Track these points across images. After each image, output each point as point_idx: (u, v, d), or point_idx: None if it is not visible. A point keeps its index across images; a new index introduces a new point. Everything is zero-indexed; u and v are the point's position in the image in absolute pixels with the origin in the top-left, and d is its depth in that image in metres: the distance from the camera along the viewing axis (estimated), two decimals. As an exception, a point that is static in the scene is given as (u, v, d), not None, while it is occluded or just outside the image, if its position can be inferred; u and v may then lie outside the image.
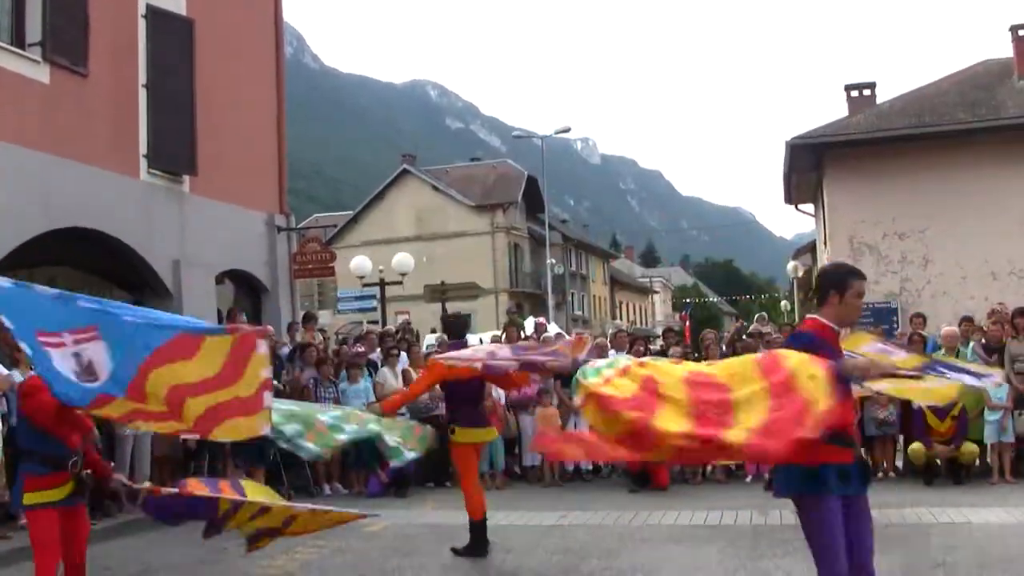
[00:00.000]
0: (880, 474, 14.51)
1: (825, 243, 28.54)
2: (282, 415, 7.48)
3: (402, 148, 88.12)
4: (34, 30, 14.91)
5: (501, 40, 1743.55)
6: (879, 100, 30.52)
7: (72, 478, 6.59)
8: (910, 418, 14.45)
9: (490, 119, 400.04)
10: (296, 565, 9.71)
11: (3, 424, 11.11)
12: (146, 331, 6.59)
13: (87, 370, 6.44)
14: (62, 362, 6.41)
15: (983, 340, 15.00)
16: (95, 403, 6.39)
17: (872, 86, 32.04)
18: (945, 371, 6.58)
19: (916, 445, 13.97)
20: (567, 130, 54.32)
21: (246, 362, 6.48)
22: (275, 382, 13.87)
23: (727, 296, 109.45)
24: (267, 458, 13.37)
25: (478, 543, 9.83)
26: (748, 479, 14.57)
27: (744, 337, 17.76)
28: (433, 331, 30.62)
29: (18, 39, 14.83)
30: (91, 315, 6.62)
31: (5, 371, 11.16)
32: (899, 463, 14.89)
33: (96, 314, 6.65)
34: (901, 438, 14.85)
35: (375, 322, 27.56)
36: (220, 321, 18.01)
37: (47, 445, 6.56)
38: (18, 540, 7.06)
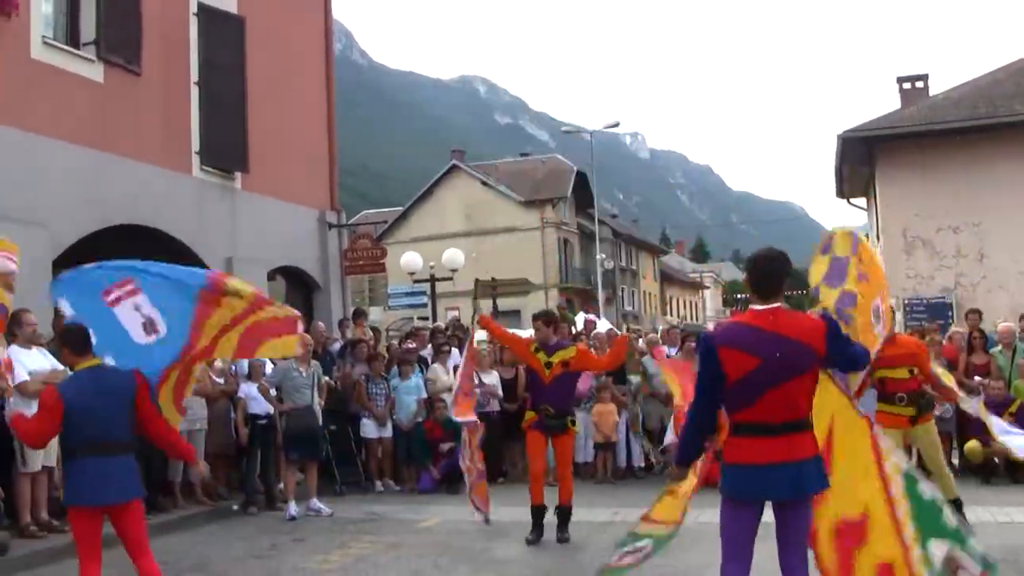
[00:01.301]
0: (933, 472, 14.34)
1: (878, 237, 28.22)
2: None
3: (451, 144, 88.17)
4: (88, 30, 15.06)
5: (550, 35, 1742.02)
6: (932, 92, 30.14)
7: None
8: (966, 415, 14.26)
9: (539, 114, 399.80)
10: (350, 560, 9.73)
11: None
12: (178, 289, 7.17)
13: (150, 324, 6.90)
14: (128, 318, 6.90)
15: (1041, 335, 14.80)
16: (161, 380, 6.95)
17: (925, 78, 31.65)
18: None
19: (973, 443, 13.75)
20: (616, 124, 54.13)
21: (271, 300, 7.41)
22: (326, 378, 13.98)
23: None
24: (321, 453, 13.41)
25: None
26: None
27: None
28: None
29: (73, 39, 14.98)
30: (123, 270, 7.26)
31: (61, 366, 11.26)
32: (955, 461, 14.70)
33: (126, 269, 7.27)
34: (956, 435, 14.67)
35: (425, 318, 27.62)
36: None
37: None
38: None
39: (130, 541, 6.50)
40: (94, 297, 7.13)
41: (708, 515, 11.05)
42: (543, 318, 10.57)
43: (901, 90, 31.47)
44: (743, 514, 5.39)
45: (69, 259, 14.27)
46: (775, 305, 5.41)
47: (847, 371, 6.02)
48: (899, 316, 23.13)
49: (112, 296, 7.11)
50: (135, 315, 7.02)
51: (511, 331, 12.03)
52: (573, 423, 10.67)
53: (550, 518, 10.39)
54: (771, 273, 5.50)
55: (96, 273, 7.32)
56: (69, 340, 6.72)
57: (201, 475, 7.45)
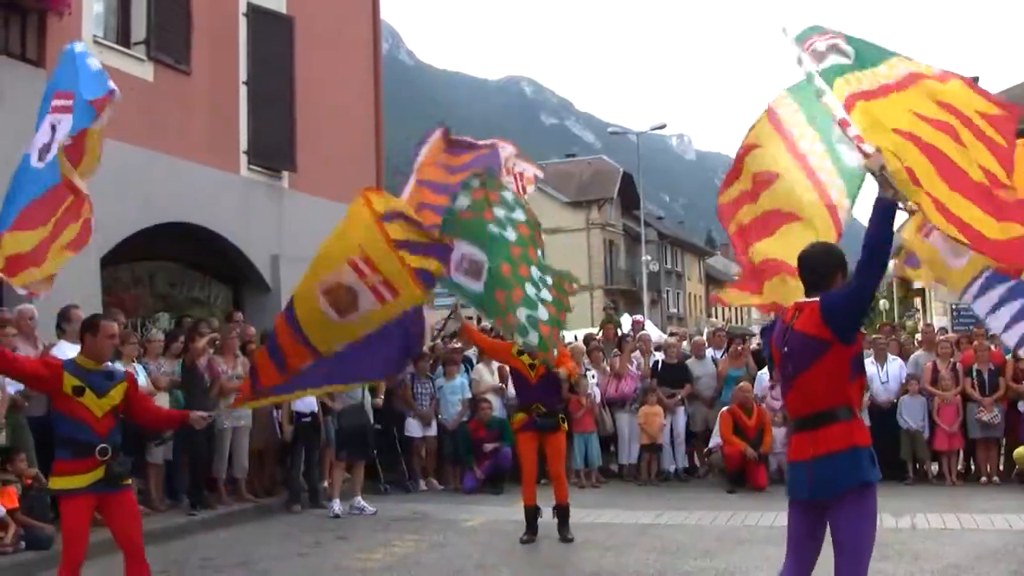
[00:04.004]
0: (983, 479, 14.20)
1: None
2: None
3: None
4: (139, 29, 15.17)
5: (596, 36, 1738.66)
6: (983, 94, 29.83)
7: (101, 464, 6.58)
8: (1016, 420, 14.11)
9: (585, 115, 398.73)
10: (393, 559, 9.74)
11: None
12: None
13: (46, 149, 7.47)
14: (42, 132, 7.50)
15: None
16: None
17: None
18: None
19: (1022, 448, 13.62)
20: (663, 126, 54.05)
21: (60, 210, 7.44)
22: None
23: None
24: (370, 452, 13.43)
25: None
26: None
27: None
28: (528, 327, 30.59)
29: (123, 38, 15.10)
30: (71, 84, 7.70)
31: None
32: (1002, 467, 14.53)
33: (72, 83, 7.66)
34: (1004, 441, 14.51)
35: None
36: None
37: (70, 429, 6.61)
38: (101, 533, 7.10)
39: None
40: (48, 96, 7.70)
41: (755, 518, 11.03)
42: None
43: (951, 92, 31.15)
44: (792, 511, 5.33)
45: (117, 257, 14.43)
46: (810, 300, 5.25)
47: (854, 286, 5.36)
48: (946, 322, 22.89)
49: (55, 102, 7.57)
50: (45, 133, 7.20)
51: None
52: (564, 420, 10.79)
53: (550, 520, 10.52)
54: (814, 266, 5.32)
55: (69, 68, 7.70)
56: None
57: (201, 424, 7.46)
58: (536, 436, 10.42)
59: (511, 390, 15.26)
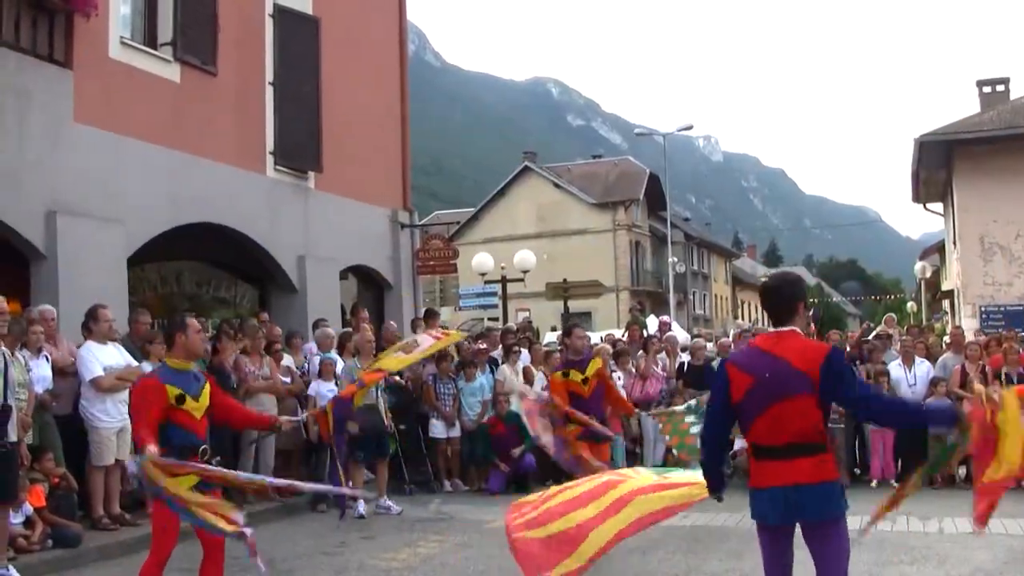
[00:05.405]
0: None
1: (954, 243, 27.83)
2: None
3: (523, 145, 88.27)
4: (166, 30, 15.23)
5: (622, 37, 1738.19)
6: (1013, 95, 29.66)
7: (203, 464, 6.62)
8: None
9: (611, 116, 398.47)
10: (417, 559, 9.75)
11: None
12: None
13: None
14: None
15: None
16: None
17: (1006, 81, 31.16)
18: None
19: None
20: (689, 127, 53.92)
21: None
22: (397, 377, 13.97)
23: (851, 297, 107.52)
24: (386, 451, 13.43)
25: None
26: (873, 483, 14.27)
27: (870, 339, 17.39)
28: (553, 329, 30.65)
29: (150, 39, 15.15)
30: None
31: (136, 362, 11.41)
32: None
33: None
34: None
35: (496, 319, 27.63)
36: (343, 316, 18.25)
37: (179, 437, 6.64)
38: (147, 526, 7.15)
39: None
40: None
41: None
42: (579, 327, 10.84)
43: (981, 94, 31.01)
44: (763, 536, 5.40)
45: (143, 256, 14.50)
46: (789, 328, 5.34)
47: (864, 419, 5.54)
48: (975, 323, 22.78)
49: None
50: None
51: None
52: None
53: None
54: (781, 298, 5.46)
55: None
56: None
57: (288, 426, 7.71)
58: (587, 446, 10.35)
59: (537, 390, 15.26)
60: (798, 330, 5.37)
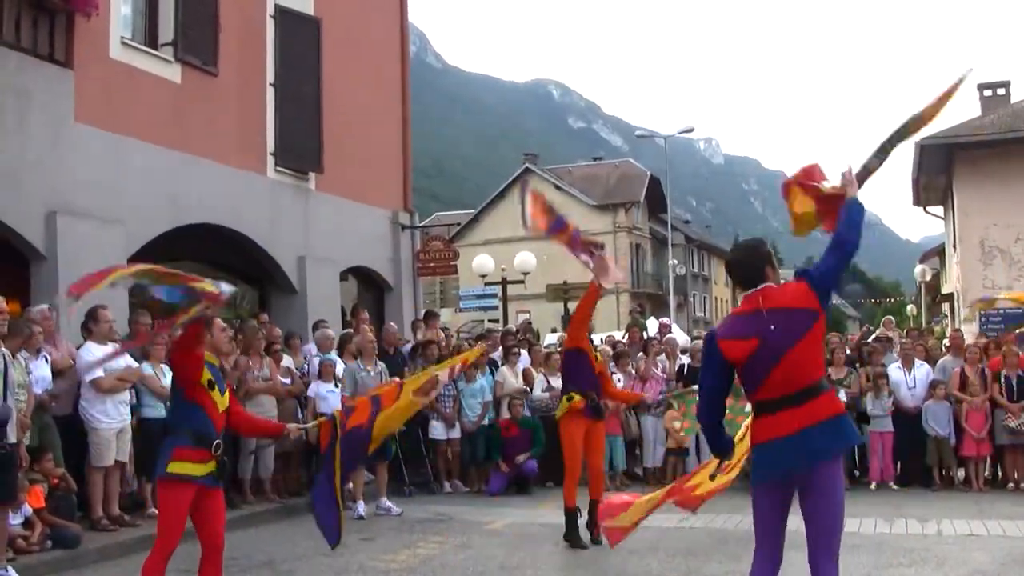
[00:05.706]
0: (1010, 485, 14.08)
1: (954, 246, 27.83)
2: None
3: (524, 147, 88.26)
4: (166, 30, 15.23)
5: (623, 39, 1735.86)
6: (1014, 99, 29.66)
7: (212, 459, 6.65)
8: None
9: (612, 118, 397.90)
10: (417, 560, 9.74)
11: (132, 416, 11.33)
12: None
13: None
14: None
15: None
16: None
17: (1007, 85, 31.15)
18: None
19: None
20: (690, 130, 53.86)
21: None
22: (397, 379, 13.96)
23: (851, 300, 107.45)
24: (389, 454, 13.43)
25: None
26: (872, 486, 14.28)
27: (870, 341, 17.40)
28: (553, 330, 30.66)
29: (151, 39, 15.15)
30: None
31: (136, 364, 11.41)
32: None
33: None
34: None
35: (496, 320, 27.64)
36: (343, 318, 18.25)
37: (198, 421, 6.66)
38: (146, 527, 7.14)
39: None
40: None
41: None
42: None
43: (981, 97, 30.99)
44: (760, 498, 5.38)
45: (143, 257, 14.48)
46: (763, 286, 5.40)
47: (840, 265, 5.53)
48: (975, 327, 22.77)
49: None
50: None
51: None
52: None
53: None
54: (748, 261, 5.54)
55: None
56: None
57: (296, 434, 7.76)
58: (585, 424, 10.28)
59: (536, 392, 15.29)
60: (770, 284, 5.41)
